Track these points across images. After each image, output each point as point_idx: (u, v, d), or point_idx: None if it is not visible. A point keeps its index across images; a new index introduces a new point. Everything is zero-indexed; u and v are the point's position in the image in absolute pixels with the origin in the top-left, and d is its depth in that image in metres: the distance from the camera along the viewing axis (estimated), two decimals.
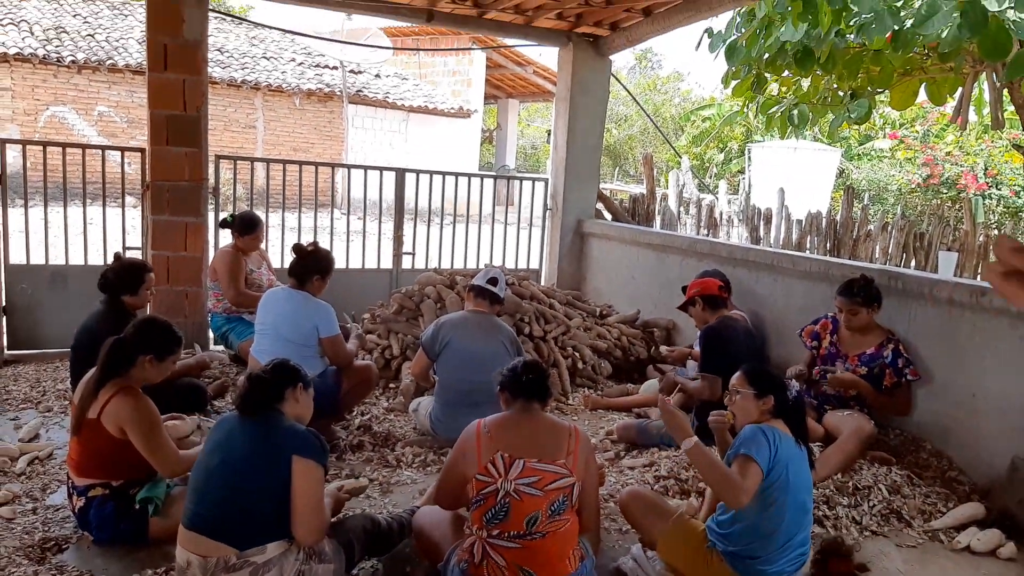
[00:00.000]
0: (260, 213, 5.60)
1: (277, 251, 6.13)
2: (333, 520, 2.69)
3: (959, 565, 3.20)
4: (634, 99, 12.71)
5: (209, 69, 5.39)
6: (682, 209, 8.82)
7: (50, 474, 3.54)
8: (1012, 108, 6.86)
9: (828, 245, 8.29)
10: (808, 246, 8.30)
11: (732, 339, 4.17)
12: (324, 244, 5.76)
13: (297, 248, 4.17)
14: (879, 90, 5.40)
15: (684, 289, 4.59)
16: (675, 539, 2.88)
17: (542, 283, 6.97)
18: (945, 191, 14.29)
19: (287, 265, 4.21)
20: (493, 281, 4.14)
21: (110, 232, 5.52)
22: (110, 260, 4.28)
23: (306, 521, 2.40)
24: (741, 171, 17.72)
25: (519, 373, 2.77)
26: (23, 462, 3.58)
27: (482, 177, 7.11)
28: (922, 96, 5.54)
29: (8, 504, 3.18)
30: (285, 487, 2.37)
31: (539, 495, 2.57)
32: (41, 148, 5.42)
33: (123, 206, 5.60)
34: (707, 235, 8.52)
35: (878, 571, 2.91)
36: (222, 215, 5.51)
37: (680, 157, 11.43)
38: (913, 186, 14.86)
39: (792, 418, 2.86)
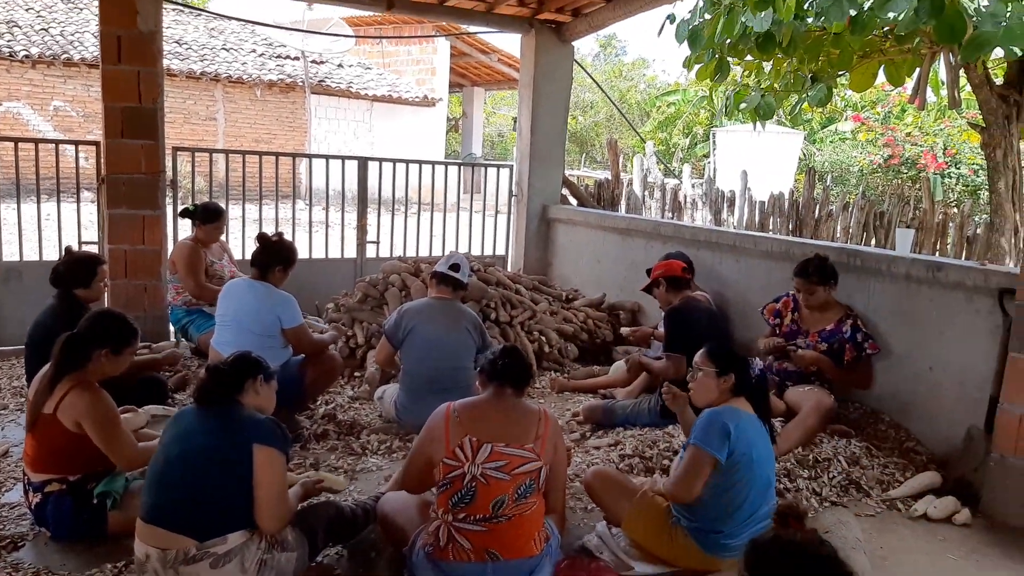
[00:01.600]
0: (222, 204, 5.53)
1: (238, 243, 6.05)
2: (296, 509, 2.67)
3: (916, 532, 3.27)
4: (598, 85, 12.71)
5: (167, 61, 5.30)
6: (647, 193, 8.87)
7: (5, 472, 3.46)
8: (969, 88, 6.98)
9: (791, 226, 8.39)
10: (771, 227, 8.39)
11: (695, 319, 4.21)
12: (287, 235, 5.71)
13: (261, 237, 4.12)
14: (840, 72, 5.47)
15: (649, 272, 4.63)
16: (639, 516, 2.90)
17: (508, 269, 6.97)
18: (905, 171, 14.52)
19: (248, 257, 4.15)
20: (455, 267, 4.12)
21: (66, 227, 5.40)
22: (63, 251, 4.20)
23: (269, 509, 2.38)
24: (706, 155, 17.85)
25: (496, 358, 2.79)
26: None
27: (446, 165, 7.08)
28: (881, 78, 5.63)
29: None
30: (246, 476, 2.35)
31: (506, 479, 2.58)
32: None
33: (78, 200, 5.50)
34: (671, 218, 8.58)
35: (836, 540, 2.95)
36: (183, 206, 5.42)
37: (645, 143, 11.48)
38: (874, 167, 15.08)
39: (754, 396, 2.89)
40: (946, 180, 14.10)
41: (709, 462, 2.70)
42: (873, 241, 8.18)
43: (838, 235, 8.23)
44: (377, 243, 6.53)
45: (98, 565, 2.72)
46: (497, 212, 7.11)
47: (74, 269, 3.93)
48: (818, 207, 8.41)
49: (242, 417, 2.45)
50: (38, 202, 5.41)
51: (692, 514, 2.81)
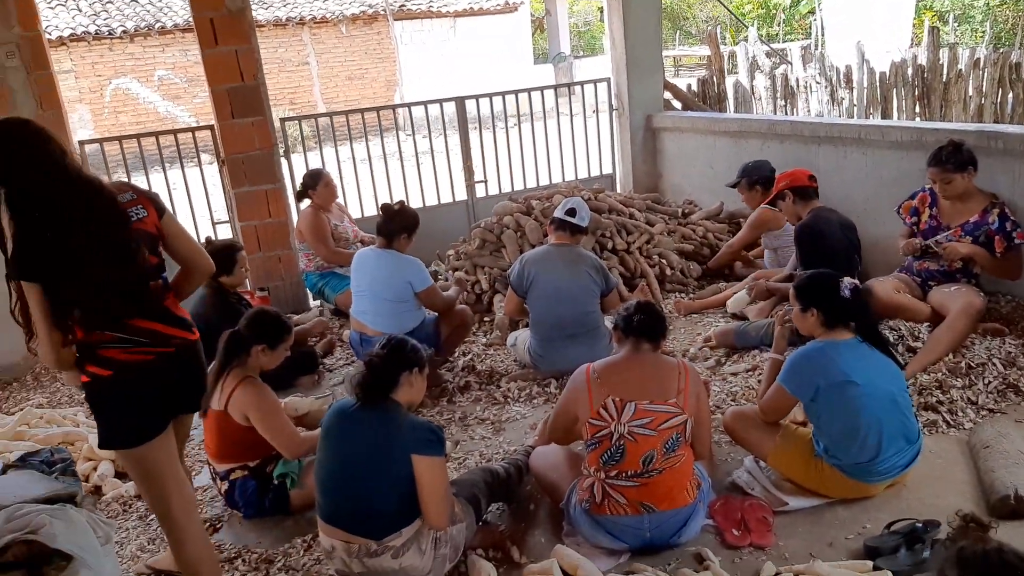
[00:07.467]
0: (328, 149, 5.66)
1: (352, 190, 6.14)
2: (454, 479, 2.82)
3: None
4: None
5: (253, 11, 5.34)
6: (755, 83, 8.40)
7: (192, 456, 3.77)
8: None
9: (916, 93, 7.77)
10: (894, 99, 7.80)
11: (827, 233, 4.05)
12: (393, 170, 5.81)
13: (385, 208, 4.25)
14: None
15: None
16: (785, 451, 2.91)
17: (618, 188, 6.86)
18: None
19: (366, 207, 4.23)
20: (572, 212, 4.11)
21: (197, 208, 5.72)
22: (201, 242, 4.46)
23: (435, 509, 2.48)
24: (811, 12, 16.58)
25: (631, 314, 2.82)
26: None
27: (542, 90, 6.90)
28: None
29: None
30: (409, 481, 2.45)
31: (653, 435, 2.63)
32: (118, 142, 5.62)
33: (204, 184, 5.76)
34: (784, 106, 8.13)
35: (997, 454, 2.87)
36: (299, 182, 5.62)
37: (746, 26, 10.78)
38: None
39: (856, 320, 2.83)
40: None
41: (789, 399, 2.86)
42: (1011, 96, 7.49)
43: (971, 95, 7.58)
44: (485, 181, 6.57)
45: (289, 539, 3.00)
46: (597, 112, 6.87)
47: (215, 260, 4.19)
48: (944, 69, 7.73)
49: (401, 425, 2.50)
50: (168, 190, 5.74)
51: (828, 453, 2.80)
